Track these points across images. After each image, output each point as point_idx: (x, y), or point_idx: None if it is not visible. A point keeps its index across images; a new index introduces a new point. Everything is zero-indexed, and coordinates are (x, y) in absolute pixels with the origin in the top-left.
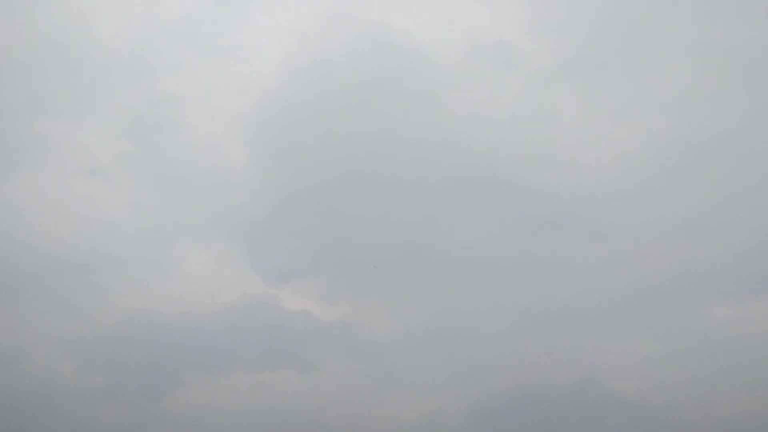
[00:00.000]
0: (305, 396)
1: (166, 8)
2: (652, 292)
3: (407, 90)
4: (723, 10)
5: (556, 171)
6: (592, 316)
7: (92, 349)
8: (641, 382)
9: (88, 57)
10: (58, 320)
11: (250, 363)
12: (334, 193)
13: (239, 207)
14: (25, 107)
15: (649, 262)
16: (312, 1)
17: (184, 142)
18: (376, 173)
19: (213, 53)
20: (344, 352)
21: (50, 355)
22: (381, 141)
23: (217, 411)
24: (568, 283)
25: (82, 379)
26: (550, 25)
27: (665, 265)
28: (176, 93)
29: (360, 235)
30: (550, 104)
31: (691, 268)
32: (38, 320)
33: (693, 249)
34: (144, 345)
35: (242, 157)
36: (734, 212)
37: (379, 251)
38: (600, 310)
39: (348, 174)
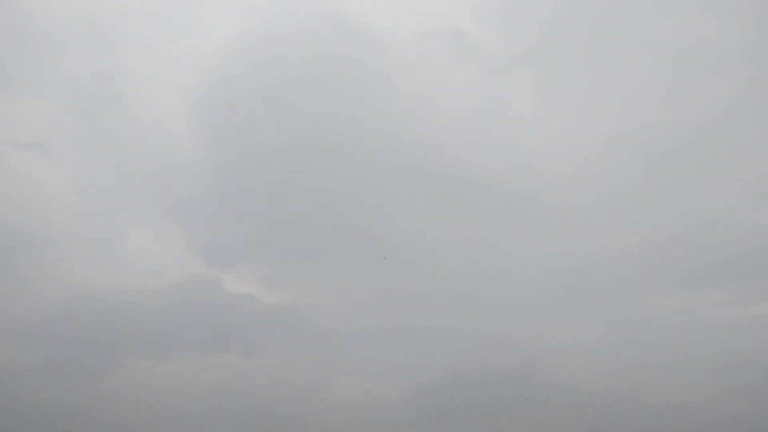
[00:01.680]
0: (248, 379)
1: None
2: (594, 282)
3: (359, 74)
4: (680, 9)
5: (506, 163)
6: (536, 305)
7: (30, 330)
8: (580, 367)
9: (30, 29)
10: None
11: (191, 346)
12: (283, 176)
13: (184, 187)
14: None
15: (592, 254)
16: None
17: (129, 118)
18: (325, 158)
19: (160, 29)
20: (289, 336)
21: None
22: (332, 125)
23: (157, 394)
24: (513, 273)
25: (19, 359)
26: (505, 15)
27: (608, 256)
28: (121, 68)
29: (308, 219)
30: (501, 96)
31: (634, 260)
32: None
33: (636, 241)
34: (83, 326)
35: (188, 135)
36: (679, 207)
37: (327, 236)
38: (543, 298)
39: (297, 157)
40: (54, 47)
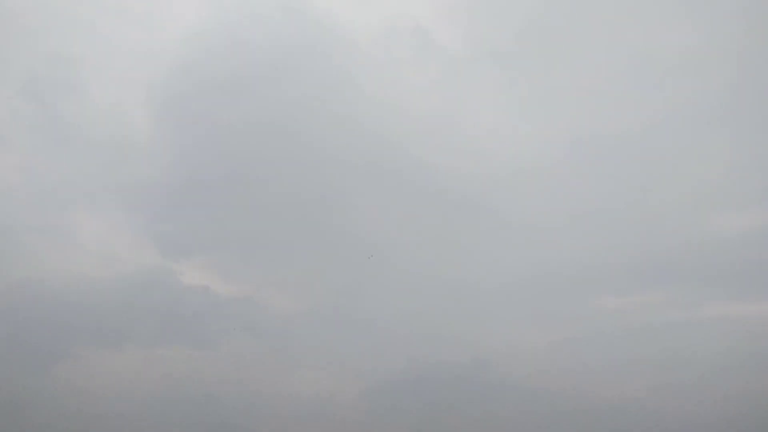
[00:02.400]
0: (201, 373)
1: None
2: (545, 281)
3: (322, 68)
4: (642, 16)
5: (465, 159)
6: (488, 301)
7: None
8: (530, 365)
9: None
10: None
11: (143, 337)
12: (242, 166)
13: (140, 176)
14: None
15: (545, 252)
16: None
17: (85, 105)
18: (286, 150)
19: (119, 15)
20: (244, 329)
21: None
22: (293, 117)
23: (106, 386)
24: (467, 268)
25: None
26: (471, 15)
27: (560, 256)
28: (78, 54)
29: (265, 212)
30: (465, 96)
31: (584, 259)
32: None
33: (587, 241)
34: (30, 315)
35: (146, 124)
36: (627, 208)
37: (285, 229)
38: (495, 295)
39: (257, 149)
40: (7, 30)
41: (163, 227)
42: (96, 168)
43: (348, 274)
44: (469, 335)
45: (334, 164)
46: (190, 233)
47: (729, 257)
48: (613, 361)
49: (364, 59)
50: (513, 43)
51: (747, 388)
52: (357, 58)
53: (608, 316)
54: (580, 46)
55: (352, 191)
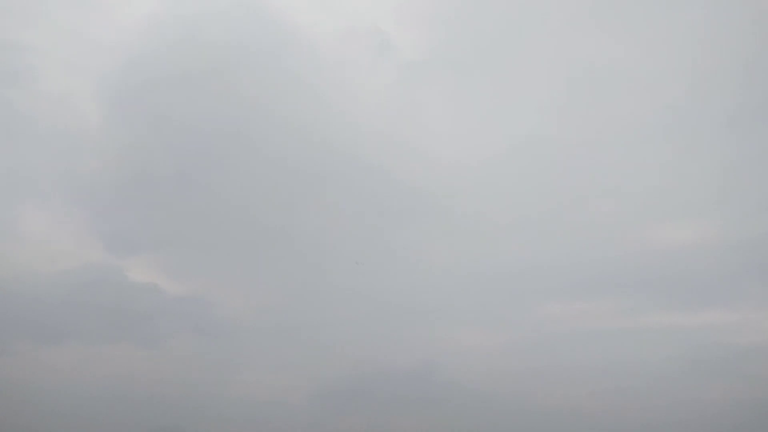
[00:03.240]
0: (147, 372)
1: None
2: (493, 286)
3: (278, 68)
4: (587, 31)
5: (419, 164)
6: (438, 306)
7: None
8: (478, 369)
9: None
10: None
11: (86, 335)
12: (193, 163)
13: (87, 169)
14: None
15: (492, 258)
16: None
17: (32, 94)
18: (238, 149)
19: (69, 2)
20: (192, 329)
21: None
22: (246, 115)
23: (46, 384)
24: (418, 273)
25: None
26: (427, 17)
27: (507, 262)
28: (26, 41)
29: (217, 209)
30: (419, 97)
31: (531, 266)
32: None
33: (534, 248)
34: None
35: (97, 117)
36: (573, 216)
37: (235, 228)
38: (445, 300)
39: (209, 147)
40: None
41: (111, 222)
42: (42, 159)
43: (299, 276)
44: (418, 339)
45: (286, 165)
46: (139, 229)
47: (669, 268)
48: (558, 367)
49: (321, 60)
50: (469, 49)
51: (686, 396)
52: (313, 59)
53: (553, 322)
54: (534, 58)
55: (305, 193)
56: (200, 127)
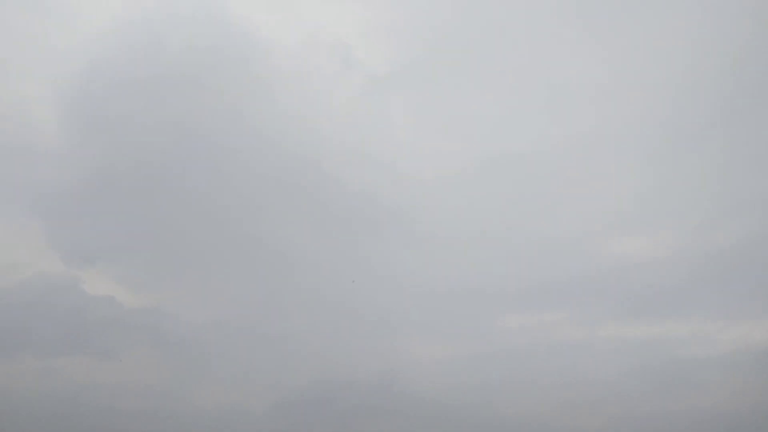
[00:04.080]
0: (102, 385)
1: None
2: (453, 299)
3: (240, 76)
4: (554, 47)
5: (381, 177)
6: (397, 318)
7: None
8: (438, 380)
9: None
10: None
11: (40, 347)
12: (154, 175)
13: (45, 177)
14: None
15: (452, 270)
16: None
17: None
18: (198, 158)
19: (27, 7)
20: (149, 341)
21: None
22: (210, 126)
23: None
24: (377, 285)
25: None
26: (392, 31)
27: (467, 274)
28: None
29: (176, 221)
30: (382, 110)
31: (490, 279)
32: None
33: (493, 261)
34: None
35: (53, 123)
36: (533, 229)
37: (194, 239)
38: (404, 312)
39: (169, 156)
40: None
41: (67, 233)
42: None
43: (260, 287)
44: (380, 350)
45: (247, 176)
46: (95, 240)
47: (625, 280)
48: (515, 378)
49: (283, 70)
50: (433, 64)
51: (640, 408)
52: (276, 69)
53: (511, 334)
54: (497, 71)
55: (266, 204)
56: (159, 136)
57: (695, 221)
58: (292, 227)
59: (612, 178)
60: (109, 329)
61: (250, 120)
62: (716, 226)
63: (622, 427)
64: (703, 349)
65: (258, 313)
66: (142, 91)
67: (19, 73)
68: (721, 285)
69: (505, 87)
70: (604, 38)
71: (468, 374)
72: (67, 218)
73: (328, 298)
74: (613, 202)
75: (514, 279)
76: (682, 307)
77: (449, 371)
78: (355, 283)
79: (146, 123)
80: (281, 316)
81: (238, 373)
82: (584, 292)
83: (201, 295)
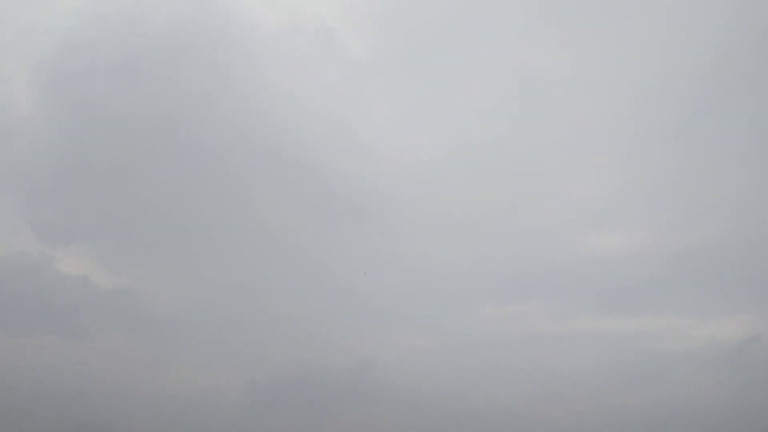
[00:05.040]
0: (74, 366)
1: None
2: (431, 288)
3: (224, 59)
4: (531, 42)
5: (362, 164)
6: (375, 306)
7: None
8: (414, 369)
9: None
10: None
11: (11, 324)
12: (130, 155)
13: (20, 155)
14: None
15: (431, 261)
16: None
17: None
18: (180, 140)
19: None
20: (122, 323)
21: None
22: (190, 107)
23: None
24: (355, 273)
25: None
26: (374, 17)
27: (446, 265)
28: None
29: (153, 203)
30: (364, 96)
31: (468, 269)
32: None
33: (471, 251)
34: None
35: (30, 101)
36: (511, 221)
37: (171, 220)
38: (382, 300)
39: (150, 137)
40: None
41: (42, 212)
42: None
43: (237, 272)
44: (356, 338)
45: (229, 159)
46: (71, 220)
47: (601, 274)
48: (489, 368)
49: (265, 55)
50: (416, 51)
51: (611, 400)
52: (257, 54)
53: (488, 324)
54: (477, 63)
55: (244, 188)
56: (137, 117)
57: (671, 218)
58: (270, 211)
59: (591, 174)
60: (82, 309)
61: (229, 104)
62: (691, 223)
63: (594, 419)
64: (676, 344)
65: (234, 297)
66: (123, 72)
67: None
68: (694, 281)
69: (488, 78)
70: (586, 36)
71: (444, 363)
72: (42, 197)
73: (305, 283)
74: (592, 197)
75: (492, 269)
76: (656, 302)
77: (426, 359)
78: (323, 269)
79: (126, 104)
80: (258, 300)
81: (213, 356)
82: (561, 284)
83: (177, 278)
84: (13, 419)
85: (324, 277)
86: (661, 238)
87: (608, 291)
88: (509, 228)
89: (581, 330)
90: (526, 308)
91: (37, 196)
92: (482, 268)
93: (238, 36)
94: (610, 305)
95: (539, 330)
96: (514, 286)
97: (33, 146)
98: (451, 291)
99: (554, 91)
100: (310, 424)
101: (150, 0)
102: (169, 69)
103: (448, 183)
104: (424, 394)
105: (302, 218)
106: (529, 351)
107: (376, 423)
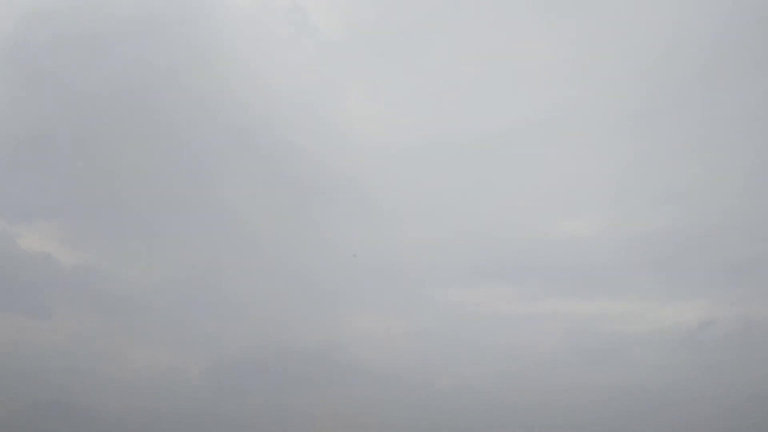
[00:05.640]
0: (33, 344)
1: None
2: (398, 271)
3: (193, 36)
4: (505, 29)
5: (332, 146)
6: (344, 287)
7: None
8: (379, 350)
9: None
10: None
11: None
12: (95, 128)
13: None
14: None
15: (399, 243)
16: None
17: None
18: (145, 116)
19: None
20: (85, 301)
21: None
22: (156, 84)
23: None
24: (325, 254)
25: None
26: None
27: (413, 248)
28: None
29: (118, 178)
30: (337, 78)
31: (436, 252)
32: None
33: (440, 235)
34: None
35: None
36: (479, 205)
37: (136, 198)
38: (350, 282)
39: (113, 113)
40: None
41: (2, 187)
42: None
43: (203, 251)
44: (321, 319)
45: (194, 138)
46: (32, 195)
47: (565, 258)
48: (456, 350)
49: (237, 32)
50: (388, 32)
51: (572, 379)
52: (229, 31)
53: (453, 306)
54: (452, 47)
55: (213, 166)
56: (102, 92)
57: (634, 205)
58: (240, 190)
59: (557, 161)
60: (43, 287)
61: (197, 82)
62: (653, 210)
63: (555, 397)
64: (636, 326)
65: (199, 277)
66: (86, 45)
67: None
68: (654, 266)
69: (461, 64)
70: (557, 27)
71: (408, 344)
72: (4, 172)
73: (274, 264)
74: (558, 184)
75: (458, 252)
76: (618, 286)
77: (391, 340)
78: (291, 250)
79: (89, 78)
80: (223, 279)
81: (176, 334)
82: (526, 268)
83: (141, 256)
84: None
85: (290, 258)
86: (624, 224)
87: (572, 275)
88: (478, 213)
89: (545, 312)
90: (492, 292)
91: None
92: (450, 251)
93: (208, 12)
94: (573, 288)
95: (504, 311)
96: (482, 268)
97: None
98: (418, 273)
99: (524, 78)
100: (275, 405)
101: None
102: (137, 44)
103: (419, 167)
104: (390, 373)
105: (269, 200)
106: (493, 332)
107: (341, 402)
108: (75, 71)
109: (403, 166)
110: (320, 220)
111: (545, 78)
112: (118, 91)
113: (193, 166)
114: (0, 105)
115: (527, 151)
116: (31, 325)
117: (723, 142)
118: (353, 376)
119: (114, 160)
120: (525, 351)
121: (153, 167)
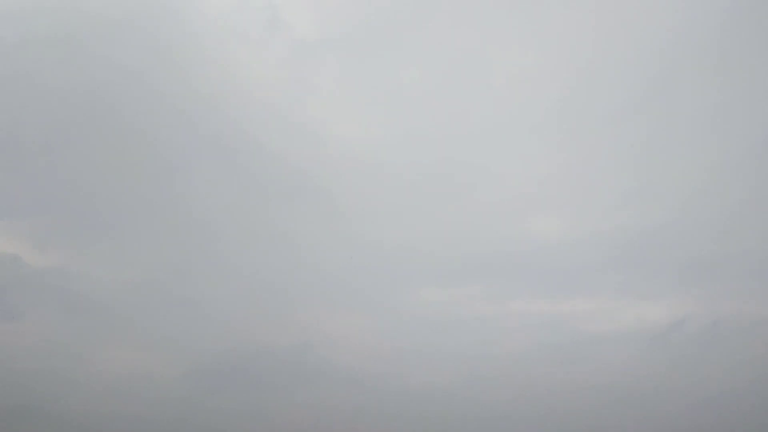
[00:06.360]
0: (3, 348)
1: None
2: (371, 270)
3: (163, 35)
4: (480, 30)
5: (305, 144)
6: (317, 287)
7: None
8: (352, 350)
9: None
10: None
11: None
12: (63, 126)
13: None
14: None
15: (371, 243)
16: None
17: None
18: (113, 117)
19: None
20: (55, 303)
21: None
22: (127, 84)
23: None
24: (298, 253)
25: None
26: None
27: (386, 248)
28: None
29: (88, 180)
30: (309, 77)
31: (409, 252)
32: None
33: (412, 234)
34: None
35: None
36: (452, 205)
37: (106, 198)
38: (324, 282)
39: (84, 114)
40: None
41: None
42: None
43: (175, 251)
44: (295, 319)
45: (167, 135)
46: (0, 196)
47: (536, 257)
48: (427, 350)
49: (209, 31)
50: (362, 32)
51: (542, 380)
52: (201, 29)
53: (425, 306)
54: (429, 44)
55: (184, 166)
56: (70, 92)
57: (604, 204)
58: (211, 190)
59: (528, 160)
60: (12, 289)
61: (168, 82)
62: (622, 209)
63: (527, 398)
64: (606, 326)
65: (172, 277)
66: (54, 45)
67: None
68: (624, 266)
69: (435, 61)
70: (529, 21)
71: (381, 345)
72: None
73: (245, 265)
74: (528, 182)
75: (431, 252)
76: (588, 285)
77: (365, 340)
78: (264, 249)
79: (57, 78)
80: (197, 281)
81: (150, 337)
82: (497, 268)
83: (113, 257)
84: None
85: (263, 257)
86: (594, 224)
87: (543, 274)
88: (449, 212)
89: (516, 312)
90: (463, 291)
91: None
92: (421, 251)
93: (179, 10)
94: (544, 288)
95: (476, 312)
96: (453, 269)
97: None
98: (391, 273)
99: (500, 75)
100: (250, 406)
101: None
102: (106, 43)
103: (389, 165)
104: (363, 374)
105: (242, 199)
106: (465, 333)
107: (315, 403)
108: (43, 71)
109: (375, 164)
110: (291, 220)
111: (518, 73)
112: (86, 91)
113: (163, 166)
114: None
115: (499, 149)
116: (1, 328)
117: (690, 139)
118: (326, 375)
119: (82, 161)
120: (496, 351)
121: (122, 168)
